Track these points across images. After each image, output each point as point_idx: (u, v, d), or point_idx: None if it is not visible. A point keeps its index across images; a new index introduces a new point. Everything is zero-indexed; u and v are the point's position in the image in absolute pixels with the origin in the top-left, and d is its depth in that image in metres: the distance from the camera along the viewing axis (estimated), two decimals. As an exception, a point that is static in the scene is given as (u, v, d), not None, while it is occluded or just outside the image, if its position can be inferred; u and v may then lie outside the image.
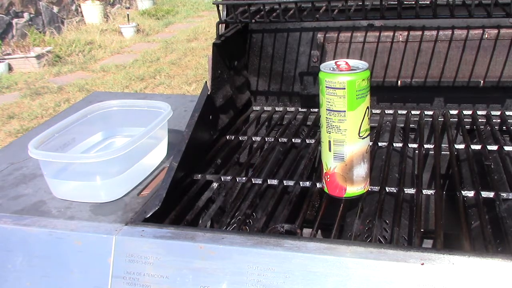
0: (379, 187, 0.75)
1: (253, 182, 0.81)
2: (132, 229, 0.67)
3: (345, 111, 0.66)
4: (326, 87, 0.66)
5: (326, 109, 0.67)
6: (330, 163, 0.71)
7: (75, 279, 0.65)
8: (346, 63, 0.67)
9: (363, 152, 0.70)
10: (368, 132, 0.69)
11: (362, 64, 0.67)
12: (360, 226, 0.72)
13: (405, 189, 0.74)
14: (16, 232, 0.70)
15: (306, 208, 0.72)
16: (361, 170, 0.70)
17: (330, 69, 0.67)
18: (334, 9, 0.90)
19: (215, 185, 0.81)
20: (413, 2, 0.85)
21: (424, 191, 0.73)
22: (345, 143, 0.68)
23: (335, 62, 0.68)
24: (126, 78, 4.74)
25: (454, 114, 1.01)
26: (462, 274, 0.53)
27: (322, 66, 0.68)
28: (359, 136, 0.68)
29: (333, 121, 0.67)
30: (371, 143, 0.85)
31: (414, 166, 0.90)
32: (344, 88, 0.65)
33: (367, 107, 0.67)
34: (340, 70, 0.66)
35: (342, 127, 0.67)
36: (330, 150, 0.70)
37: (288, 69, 1.12)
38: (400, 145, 0.88)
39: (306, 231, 0.72)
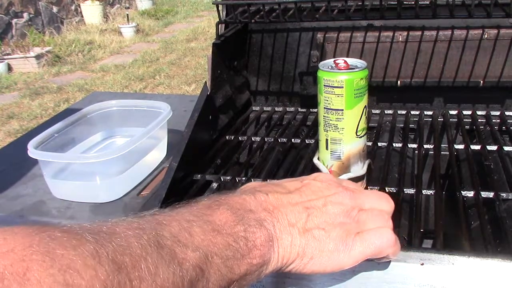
0: (378, 187, 0.75)
1: (253, 182, 0.81)
2: (131, 229, 0.66)
3: (342, 110, 0.66)
4: (324, 85, 0.66)
5: (324, 108, 0.67)
6: (327, 161, 0.71)
7: (74, 279, 0.65)
8: (345, 61, 0.67)
9: (360, 151, 0.70)
10: (365, 131, 0.69)
11: (360, 63, 0.67)
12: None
13: (405, 189, 0.74)
14: (16, 232, 0.70)
15: (305, 208, 0.72)
16: (358, 168, 0.70)
17: (328, 67, 0.67)
18: (334, 9, 0.90)
19: (214, 185, 0.81)
20: (413, 2, 0.85)
21: (424, 191, 0.73)
22: (342, 142, 0.68)
23: (334, 61, 0.67)
24: (125, 78, 4.75)
25: (454, 114, 1.00)
26: (462, 274, 0.53)
27: (321, 64, 0.68)
28: (357, 135, 0.68)
29: (330, 120, 0.67)
30: (370, 143, 0.85)
31: (414, 166, 0.90)
32: (342, 87, 0.65)
33: (365, 106, 0.67)
34: (339, 69, 0.66)
35: (339, 126, 0.67)
36: (327, 148, 0.70)
37: (287, 69, 1.12)
38: (400, 145, 0.88)
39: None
